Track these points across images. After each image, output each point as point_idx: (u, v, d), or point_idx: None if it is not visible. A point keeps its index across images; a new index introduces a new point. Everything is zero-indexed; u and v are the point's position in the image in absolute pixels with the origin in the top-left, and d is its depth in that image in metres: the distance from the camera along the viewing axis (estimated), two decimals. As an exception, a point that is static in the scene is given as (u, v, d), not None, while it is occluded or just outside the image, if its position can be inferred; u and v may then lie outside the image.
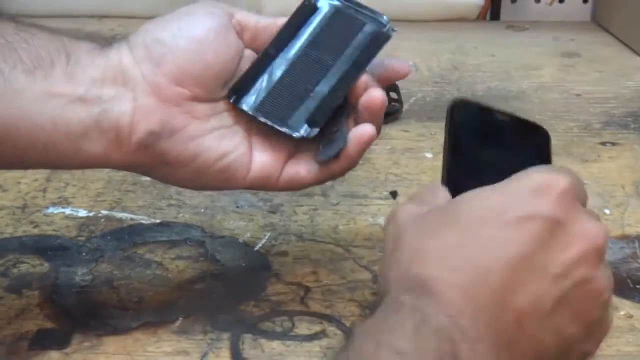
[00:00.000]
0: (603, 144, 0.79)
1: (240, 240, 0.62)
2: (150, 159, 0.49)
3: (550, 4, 1.20)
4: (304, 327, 0.52)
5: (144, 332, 0.52)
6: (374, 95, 0.51)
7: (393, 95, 0.85)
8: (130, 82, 0.48)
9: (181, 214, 0.65)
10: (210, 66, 0.49)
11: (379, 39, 0.52)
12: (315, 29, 0.53)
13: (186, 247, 0.61)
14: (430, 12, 1.19)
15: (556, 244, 0.39)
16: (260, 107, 0.51)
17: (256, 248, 0.61)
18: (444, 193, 0.44)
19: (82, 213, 0.65)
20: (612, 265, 0.59)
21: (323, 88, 0.52)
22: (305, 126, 0.51)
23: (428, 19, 1.19)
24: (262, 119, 0.51)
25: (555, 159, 0.74)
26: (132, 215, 0.65)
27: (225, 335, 0.51)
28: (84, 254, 0.60)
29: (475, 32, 1.15)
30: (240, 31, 0.51)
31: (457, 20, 1.20)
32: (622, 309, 0.54)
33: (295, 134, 0.51)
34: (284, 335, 0.51)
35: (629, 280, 0.57)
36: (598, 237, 0.40)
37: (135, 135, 0.48)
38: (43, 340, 0.51)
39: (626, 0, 1.08)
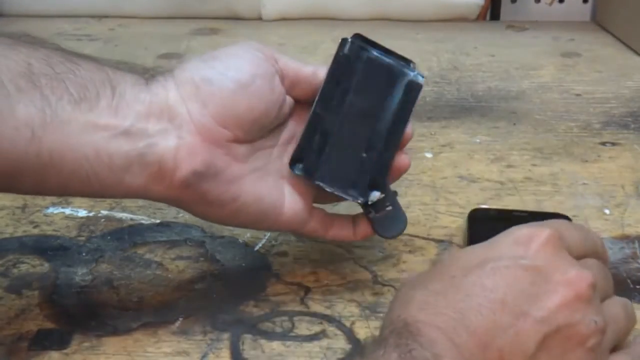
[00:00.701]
0: (603, 144, 0.79)
1: (240, 241, 0.62)
2: (191, 197, 0.50)
3: (550, 4, 1.20)
4: (304, 328, 0.52)
5: (144, 333, 0.52)
6: (404, 162, 0.54)
7: None
8: (177, 119, 0.48)
9: (181, 214, 0.65)
10: (254, 110, 0.50)
11: (413, 90, 0.53)
12: (354, 83, 0.52)
13: (186, 247, 0.61)
14: (430, 12, 1.20)
15: (537, 291, 0.41)
16: (323, 174, 0.52)
17: (256, 248, 0.61)
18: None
19: (82, 213, 0.65)
20: (612, 265, 0.59)
21: (375, 147, 0.52)
22: (368, 191, 0.53)
23: (428, 19, 1.20)
24: (329, 188, 0.52)
25: (555, 158, 0.75)
26: (132, 216, 0.65)
27: (225, 336, 0.51)
28: (84, 254, 0.60)
29: (475, 32, 1.15)
30: (281, 77, 0.51)
31: (457, 20, 1.20)
32: (622, 310, 0.54)
33: (361, 200, 0.53)
34: (284, 336, 0.51)
35: (628, 281, 0.57)
36: (581, 284, 0.41)
37: (180, 173, 0.48)
38: (43, 340, 0.51)
39: (626, 0, 1.08)
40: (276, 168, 0.53)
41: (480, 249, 0.44)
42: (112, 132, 0.47)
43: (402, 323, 0.40)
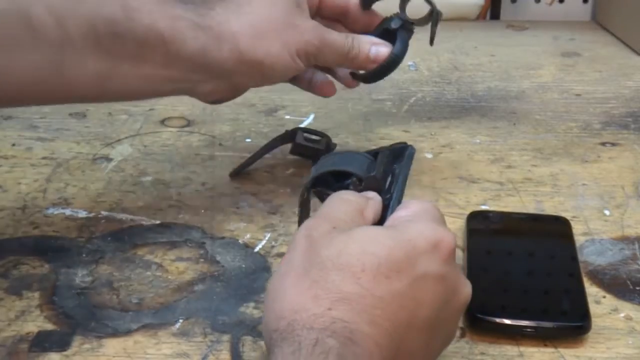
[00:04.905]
0: (603, 144, 0.79)
1: (240, 242, 0.62)
2: None
3: (550, 3, 1.20)
4: (304, 329, 0.52)
5: (144, 334, 0.52)
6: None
7: None
8: (222, 76, 0.59)
9: (181, 215, 0.65)
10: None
11: (412, 156, 0.57)
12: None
13: (186, 249, 0.61)
14: (430, 11, 1.19)
15: (449, 304, 0.45)
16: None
17: (256, 249, 0.61)
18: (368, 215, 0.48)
19: (82, 214, 0.65)
20: (612, 266, 0.59)
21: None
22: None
23: (428, 18, 1.19)
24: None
25: (555, 159, 0.75)
26: (132, 216, 0.65)
27: (226, 337, 0.52)
28: (84, 255, 0.60)
29: (475, 32, 1.15)
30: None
31: (457, 20, 1.20)
32: (622, 311, 0.54)
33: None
34: (284, 337, 0.51)
35: (628, 282, 0.57)
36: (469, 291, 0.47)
37: (203, 99, 0.63)
38: (43, 342, 0.51)
39: (626, 0, 1.08)
40: None
41: (400, 246, 0.43)
42: (162, 79, 0.58)
43: (341, 326, 0.40)
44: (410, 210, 0.47)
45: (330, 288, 0.41)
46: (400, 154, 0.57)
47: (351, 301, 0.40)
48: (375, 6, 0.66)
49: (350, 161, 0.55)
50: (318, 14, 0.65)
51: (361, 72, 0.66)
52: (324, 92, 0.67)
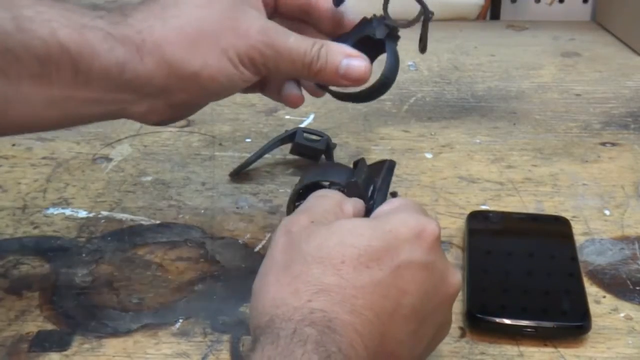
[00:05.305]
0: (603, 144, 0.79)
1: (240, 242, 0.62)
2: None
3: (550, 3, 1.20)
4: (304, 329, 0.52)
5: (144, 334, 0.52)
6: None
7: None
8: (154, 94, 0.51)
9: (181, 215, 0.65)
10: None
11: (392, 168, 0.58)
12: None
13: (186, 248, 0.61)
14: (430, 11, 1.19)
15: (437, 293, 0.44)
16: None
17: (256, 249, 0.61)
18: (348, 208, 0.48)
19: (82, 214, 0.65)
20: (612, 266, 0.59)
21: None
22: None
23: (428, 18, 1.19)
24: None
25: (555, 159, 0.75)
26: (132, 216, 0.65)
27: (226, 337, 0.52)
28: (84, 255, 0.60)
29: (475, 32, 1.15)
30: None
31: (457, 20, 1.20)
32: (622, 311, 0.54)
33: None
34: (284, 337, 0.51)
35: (628, 282, 0.57)
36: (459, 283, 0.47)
37: (144, 122, 0.55)
38: (43, 342, 0.51)
39: (626, 0, 1.08)
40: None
41: (380, 235, 0.43)
42: (81, 100, 0.50)
43: (320, 315, 0.40)
44: (393, 205, 0.48)
45: (310, 281, 0.41)
46: (379, 169, 0.57)
47: (331, 292, 0.41)
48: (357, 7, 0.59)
49: (331, 172, 0.56)
50: (277, 12, 0.57)
51: (336, 89, 0.59)
52: (292, 103, 0.60)
